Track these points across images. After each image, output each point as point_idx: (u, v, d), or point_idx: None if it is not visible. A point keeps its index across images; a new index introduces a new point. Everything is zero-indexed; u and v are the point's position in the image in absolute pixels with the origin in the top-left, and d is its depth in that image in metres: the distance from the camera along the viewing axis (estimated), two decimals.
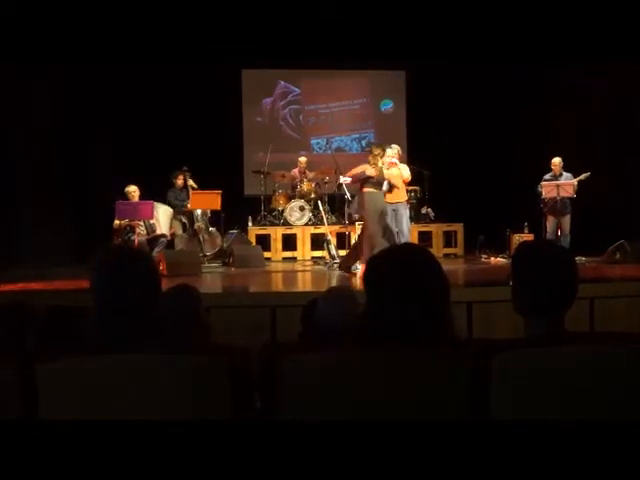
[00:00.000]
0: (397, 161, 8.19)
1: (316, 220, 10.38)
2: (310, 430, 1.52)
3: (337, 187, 9.96)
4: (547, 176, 9.36)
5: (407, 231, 8.27)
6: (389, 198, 8.06)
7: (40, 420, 1.74)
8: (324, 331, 2.93)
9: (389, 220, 8.03)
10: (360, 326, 2.15)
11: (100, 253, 2.01)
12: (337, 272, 8.37)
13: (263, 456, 1.47)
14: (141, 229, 8.78)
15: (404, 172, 8.21)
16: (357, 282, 7.08)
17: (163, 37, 9.18)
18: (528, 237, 9.64)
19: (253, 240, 10.20)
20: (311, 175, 10.78)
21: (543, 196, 9.21)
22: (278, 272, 8.88)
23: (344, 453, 1.46)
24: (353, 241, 9.73)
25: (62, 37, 8.49)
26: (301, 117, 12.58)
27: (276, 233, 10.31)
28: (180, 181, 9.70)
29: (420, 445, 1.46)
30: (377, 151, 7.93)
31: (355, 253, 8.20)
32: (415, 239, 9.85)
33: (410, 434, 1.48)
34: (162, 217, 9.07)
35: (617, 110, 10.16)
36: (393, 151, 8.16)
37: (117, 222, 8.71)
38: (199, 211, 9.67)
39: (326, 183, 10.64)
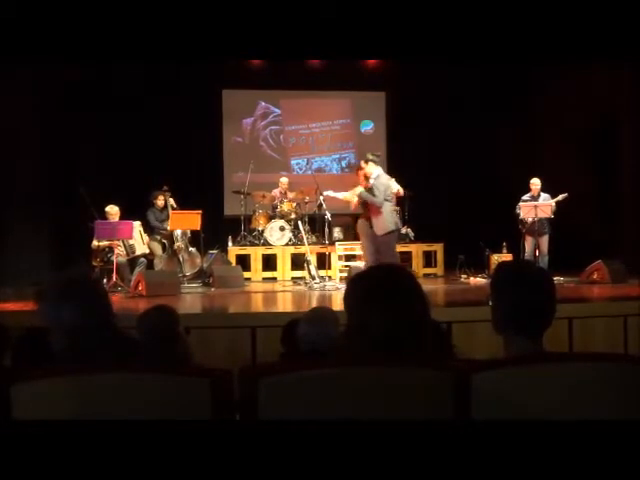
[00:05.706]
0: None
1: (296, 240, 10.37)
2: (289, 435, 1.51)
3: (317, 207, 10.00)
4: (525, 197, 9.45)
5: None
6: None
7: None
8: (305, 351, 2.93)
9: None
10: (342, 345, 2.15)
11: (44, 286, 2.10)
12: (317, 292, 8.35)
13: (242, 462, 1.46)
14: (120, 249, 8.72)
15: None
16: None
17: (146, 38, 9.10)
18: (507, 257, 9.70)
19: (233, 260, 10.16)
20: (291, 195, 10.80)
21: (521, 217, 9.30)
22: (258, 292, 8.84)
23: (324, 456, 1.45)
24: (333, 261, 9.73)
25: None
26: (281, 137, 12.61)
27: (256, 253, 10.28)
28: (160, 202, 9.63)
29: (399, 450, 1.46)
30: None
31: None
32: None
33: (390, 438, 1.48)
34: (136, 234, 8.94)
35: (597, 130, 10.30)
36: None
37: (95, 243, 8.68)
38: (179, 231, 9.61)
39: (306, 203, 10.66)
